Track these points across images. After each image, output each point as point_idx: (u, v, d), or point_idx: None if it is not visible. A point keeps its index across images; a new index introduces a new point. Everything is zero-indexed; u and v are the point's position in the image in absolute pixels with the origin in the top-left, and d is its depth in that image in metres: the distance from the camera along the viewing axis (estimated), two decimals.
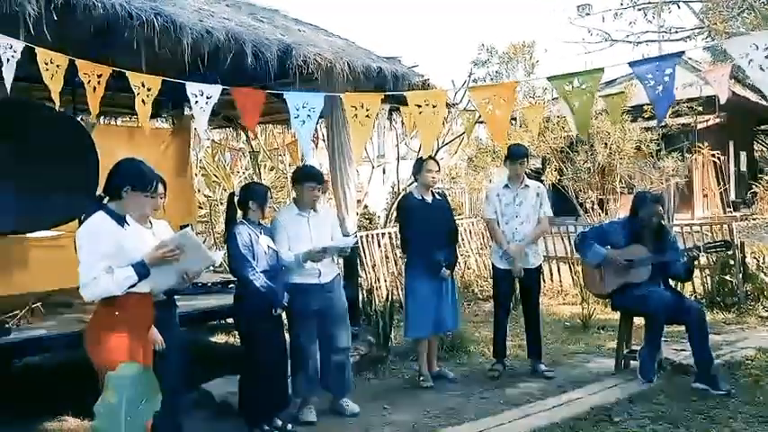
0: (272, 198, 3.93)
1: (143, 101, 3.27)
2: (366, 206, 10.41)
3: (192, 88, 3.37)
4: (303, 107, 3.39)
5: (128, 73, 3.23)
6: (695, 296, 6.60)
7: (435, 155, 8.72)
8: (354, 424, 3.88)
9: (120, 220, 2.67)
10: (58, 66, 2.99)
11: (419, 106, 3.44)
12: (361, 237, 7.15)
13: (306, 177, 3.98)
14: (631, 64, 2.97)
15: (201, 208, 9.28)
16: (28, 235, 4.88)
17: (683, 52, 3.59)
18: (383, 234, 7.51)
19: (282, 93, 3.53)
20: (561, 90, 3.08)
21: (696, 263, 4.62)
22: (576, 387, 4.32)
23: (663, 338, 4.51)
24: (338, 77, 4.50)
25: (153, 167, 2.81)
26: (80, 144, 5.24)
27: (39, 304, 4.07)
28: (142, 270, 2.60)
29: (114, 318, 2.59)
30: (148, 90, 3.26)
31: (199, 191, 9.38)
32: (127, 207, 2.69)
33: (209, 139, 9.01)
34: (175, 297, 3.39)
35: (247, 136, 7.68)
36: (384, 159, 11.33)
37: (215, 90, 3.39)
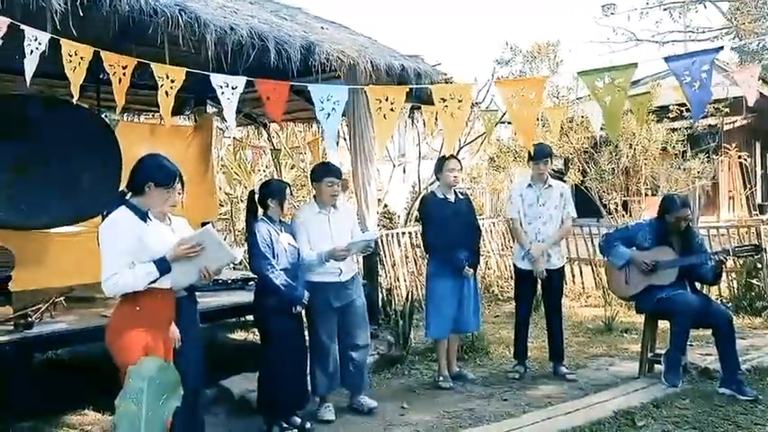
0: (292, 195, 3.92)
1: (166, 92, 3.27)
2: (386, 205, 10.38)
3: (216, 80, 3.40)
4: (328, 100, 3.38)
5: (152, 64, 3.25)
6: (721, 300, 6.45)
7: (457, 154, 8.68)
8: (373, 423, 3.86)
9: (143, 216, 2.68)
10: (82, 57, 3.01)
11: (444, 100, 3.39)
12: (382, 236, 7.13)
13: (325, 173, 3.97)
14: (667, 59, 2.88)
15: (222, 205, 9.34)
16: (51, 230, 4.94)
17: (722, 47, 3.49)
18: (403, 233, 7.48)
19: (306, 85, 3.52)
20: (592, 86, 2.99)
21: (723, 266, 4.51)
22: (598, 390, 4.25)
23: (688, 343, 4.41)
24: (361, 75, 4.48)
25: (175, 163, 2.81)
26: (103, 140, 5.30)
27: (61, 299, 4.11)
28: (163, 266, 2.61)
29: (135, 313, 2.60)
30: (172, 82, 3.26)
31: (220, 188, 9.44)
32: (149, 202, 2.70)
33: (230, 137, 9.06)
34: (196, 294, 3.40)
35: (269, 134, 7.70)
36: (405, 158, 11.28)
37: (240, 81, 3.40)
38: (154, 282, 2.60)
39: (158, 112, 6.96)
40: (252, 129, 8.02)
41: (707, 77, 2.70)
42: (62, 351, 5.07)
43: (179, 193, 3.17)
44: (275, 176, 8.54)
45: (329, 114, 3.36)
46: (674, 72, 2.83)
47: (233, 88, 3.36)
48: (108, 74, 3.26)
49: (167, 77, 3.26)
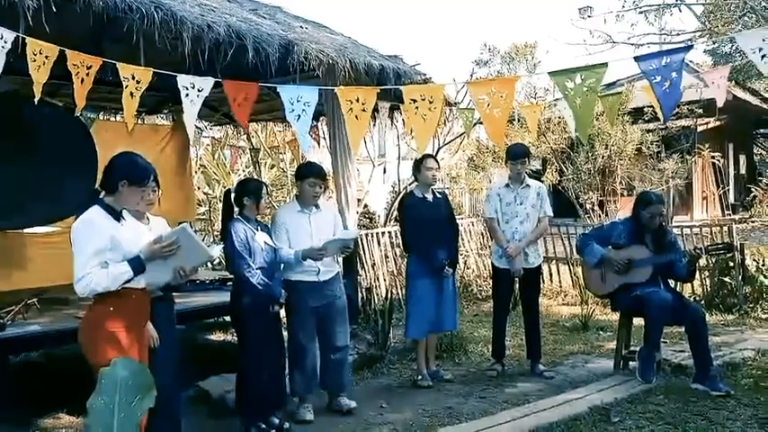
0: (268, 194, 3.89)
1: (131, 93, 3.17)
2: (366, 205, 10.38)
3: (183, 80, 3.30)
4: (297, 101, 3.33)
5: (118, 64, 3.16)
6: (695, 298, 6.58)
7: (436, 154, 8.72)
8: (351, 423, 3.85)
9: (116, 215, 2.64)
10: (47, 57, 2.93)
11: (414, 101, 3.35)
12: (361, 236, 7.13)
13: (308, 174, 3.96)
14: (637, 59, 2.89)
15: (201, 206, 9.25)
16: (24, 231, 4.85)
17: (692, 46, 3.51)
18: (383, 233, 7.49)
19: (276, 87, 3.44)
20: (563, 87, 3.00)
21: (697, 264, 4.60)
22: (574, 387, 4.30)
23: (662, 339, 4.49)
24: (339, 75, 4.47)
25: (151, 162, 2.78)
26: (79, 140, 5.22)
27: (35, 300, 4.04)
28: (138, 265, 2.58)
29: (109, 314, 2.57)
30: (138, 83, 3.17)
31: (198, 188, 9.35)
32: (123, 201, 2.67)
33: (209, 137, 8.98)
34: (173, 294, 3.36)
35: (248, 133, 7.65)
36: (385, 159, 11.30)
37: (207, 83, 3.32)
38: (128, 282, 2.57)
39: (136, 111, 6.97)
40: (231, 128, 7.95)
41: (677, 77, 2.72)
42: (36, 353, 4.97)
43: (154, 192, 3.15)
44: (254, 176, 8.49)
45: (299, 116, 3.31)
46: (644, 71, 2.84)
47: (199, 90, 3.28)
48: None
49: (133, 78, 3.17)
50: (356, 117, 3.28)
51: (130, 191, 2.65)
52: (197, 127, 8.00)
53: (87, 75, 3.06)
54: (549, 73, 3.15)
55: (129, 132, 6.18)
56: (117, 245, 2.57)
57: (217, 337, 6.11)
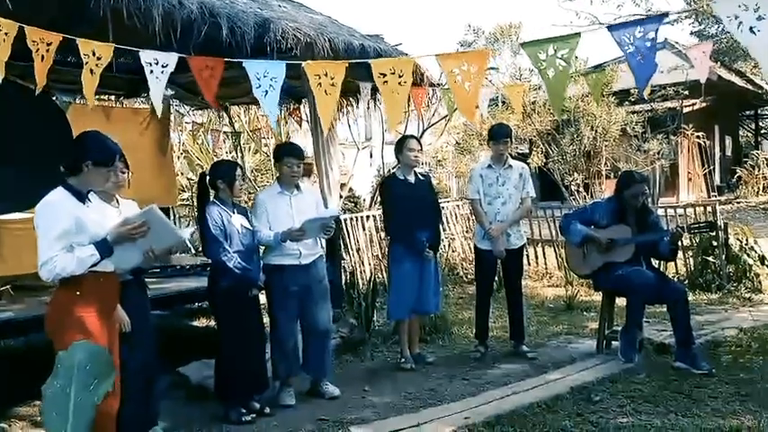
0: (243, 175, 3.81)
1: (91, 71, 3.05)
2: (351, 189, 10.30)
3: (146, 56, 3.18)
4: (264, 76, 3.20)
5: (78, 40, 3.03)
6: (678, 277, 6.59)
7: (421, 137, 8.64)
8: (333, 406, 3.82)
9: (81, 197, 2.56)
10: (6, 33, 2.82)
11: (384, 75, 3.24)
12: (346, 219, 7.07)
13: (284, 153, 3.90)
14: (610, 28, 2.79)
15: (184, 191, 9.13)
16: None
17: (667, 14, 3.42)
18: (368, 217, 7.43)
19: (241, 61, 3.31)
20: (535, 58, 2.89)
21: (680, 243, 4.59)
22: (557, 368, 4.30)
23: (645, 319, 4.49)
24: (318, 54, 4.37)
25: (118, 142, 2.69)
26: (54, 123, 5.09)
27: (8, 287, 3.95)
28: (104, 248, 2.50)
29: (75, 298, 2.49)
30: (98, 59, 3.04)
31: (182, 174, 9.23)
32: (88, 182, 2.58)
33: (189, 122, 8.83)
34: (147, 279, 3.29)
35: (230, 117, 7.52)
36: (371, 143, 11.21)
37: (171, 58, 3.20)
38: (95, 265, 2.49)
39: (114, 93, 6.81)
40: (212, 112, 7.81)
41: (651, 48, 2.62)
42: (11, 341, 4.88)
43: (123, 173, 3.07)
44: (237, 160, 8.37)
45: (267, 92, 3.18)
46: (618, 41, 2.74)
47: (163, 66, 3.16)
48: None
49: (93, 54, 3.04)
50: (325, 92, 3.17)
51: (95, 172, 2.56)
52: (178, 111, 7.88)
53: (47, 52, 2.94)
54: (520, 44, 3.05)
55: (106, 116, 6.19)
56: (82, 227, 2.49)
57: (200, 323, 6.05)
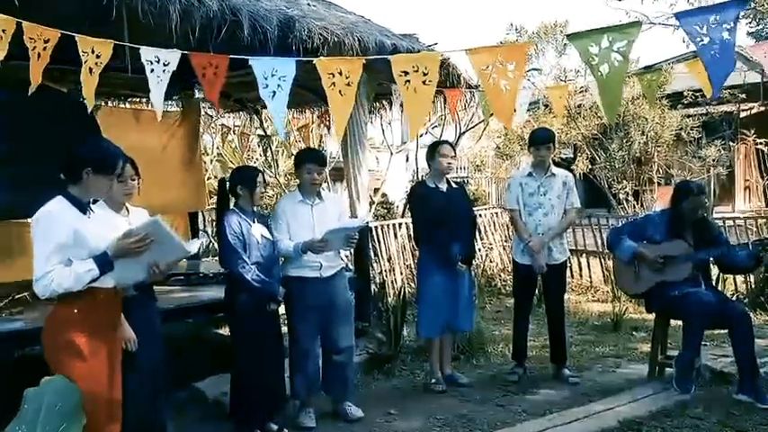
0: (264, 182, 3.59)
1: (90, 69, 2.85)
2: (385, 194, 10.02)
3: (146, 53, 2.96)
4: (272, 75, 2.91)
5: (77, 36, 2.84)
6: (737, 296, 6.08)
7: (457, 141, 8.32)
8: (356, 430, 3.57)
9: (82, 207, 2.36)
10: (3, 30, 2.65)
11: (405, 73, 2.88)
12: (377, 227, 6.80)
13: (304, 159, 3.68)
14: (678, 15, 2.40)
15: (214, 196, 9.04)
16: (12, 221, 4.68)
17: (746, 1, 2.92)
18: (400, 224, 7.13)
19: (247, 58, 3.03)
20: (585, 53, 2.50)
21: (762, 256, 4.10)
22: (603, 396, 3.93)
23: (702, 343, 4.07)
24: (347, 54, 4.12)
25: (119, 147, 2.49)
26: (83, 127, 5.03)
27: (26, 294, 3.82)
28: (104, 263, 2.30)
29: (73, 316, 2.30)
30: (98, 57, 2.85)
31: (215, 177, 9.14)
32: (89, 191, 2.39)
33: (220, 124, 8.71)
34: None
35: (261, 120, 7.36)
36: (406, 146, 10.93)
37: (173, 56, 2.97)
38: (94, 281, 2.29)
39: (144, 97, 6.73)
40: (244, 115, 7.68)
41: (729, 38, 2.19)
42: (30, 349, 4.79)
43: (133, 180, 2.89)
44: (271, 164, 8.24)
45: (275, 92, 2.87)
46: (688, 32, 2.31)
47: (165, 64, 2.93)
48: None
49: (92, 52, 2.83)
50: (340, 92, 2.85)
51: (96, 180, 2.36)
52: (207, 113, 7.77)
53: (44, 49, 2.76)
54: (567, 36, 2.66)
55: (136, 119, 6.11)
56: (82, 240, 2.30)
57: (225, 331, 5.87)
